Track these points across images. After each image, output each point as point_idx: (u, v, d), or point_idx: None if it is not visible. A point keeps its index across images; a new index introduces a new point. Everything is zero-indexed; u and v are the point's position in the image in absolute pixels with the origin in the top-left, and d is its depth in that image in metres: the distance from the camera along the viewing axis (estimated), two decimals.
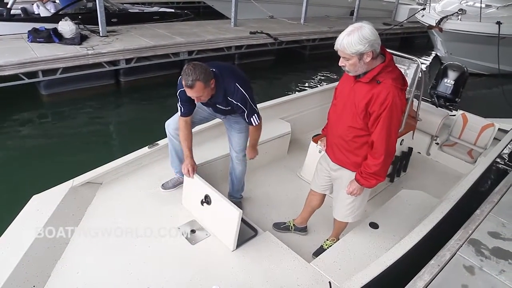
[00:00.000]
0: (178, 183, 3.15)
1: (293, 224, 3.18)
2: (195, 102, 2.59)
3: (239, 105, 2.60)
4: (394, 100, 2.08)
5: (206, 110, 2.95)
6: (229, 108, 2.68)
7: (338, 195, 2.65)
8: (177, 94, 2.68)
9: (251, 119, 2.71)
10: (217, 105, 2.71)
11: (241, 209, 3.12)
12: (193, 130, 2.95)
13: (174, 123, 2.93)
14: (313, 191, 2.94)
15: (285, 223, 3.21)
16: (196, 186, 2.79)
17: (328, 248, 2.83)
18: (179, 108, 2.74)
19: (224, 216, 2.58)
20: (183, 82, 2.39)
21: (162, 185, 3.14)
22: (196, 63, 2.41)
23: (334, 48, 2.10)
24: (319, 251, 2.91)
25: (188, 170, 2.78)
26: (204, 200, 2.70)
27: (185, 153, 2.82)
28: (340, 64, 2.15)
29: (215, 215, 2.68)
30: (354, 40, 2.00)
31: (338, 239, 2.94)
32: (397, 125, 2.20)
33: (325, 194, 2.91)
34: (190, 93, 2.44)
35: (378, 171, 2.27)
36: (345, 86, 2.35)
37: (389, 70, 2.14)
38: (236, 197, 3.36)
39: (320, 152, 2.94)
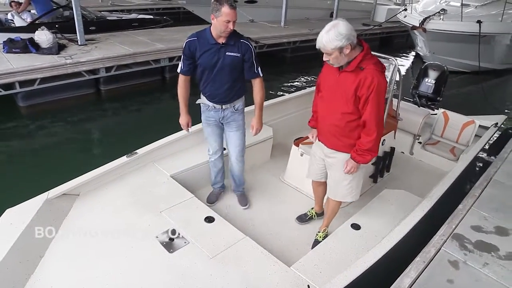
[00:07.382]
0: (219, 194, 3.58)
1: (315, 213, 3.39)
2: (226, 28, 2.69)
3: (250, 48, 2.84)
4: (378, 81, 2.34)
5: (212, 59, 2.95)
6: (239, 55, 2.82)
7: (335, 178, 2.83)
8: (183, 47, 2.86)
9: (258, 68, 2.93)
10: (228, 53, 2.81)
11: (247, 200, 3.57)
12: (171, 139, 3.54)
13: (212, 149, 3.29)
14: (314, 182, 3.13)
15: (307, 214, 3.41)
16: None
17: (322, 240, 2.96)
18: (180, 65, 2.94)
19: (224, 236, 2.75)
20: (226, 5, 2.58)
21: (207, 199, 3.46)
22: None
23: (316, 47, 2.33)
24: (315, 244, 2.99)
25: (187, 124, 3.19)
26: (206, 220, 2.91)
27: (182, 108, 3.13)
28: (324, 59, 2.40)
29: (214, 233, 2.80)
30: (331, 38, 2.24)
31: (327, 234, 3.02)
32: (383, 103, 2.48)
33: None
34: (230, 14, 2.62)
35: (372, 147, 2.52)
36: (329, 78, 2.58)
37: (368, 57, 2.40)
38: (240, 191, 3.61)
39: (304, 152, 2.93)
